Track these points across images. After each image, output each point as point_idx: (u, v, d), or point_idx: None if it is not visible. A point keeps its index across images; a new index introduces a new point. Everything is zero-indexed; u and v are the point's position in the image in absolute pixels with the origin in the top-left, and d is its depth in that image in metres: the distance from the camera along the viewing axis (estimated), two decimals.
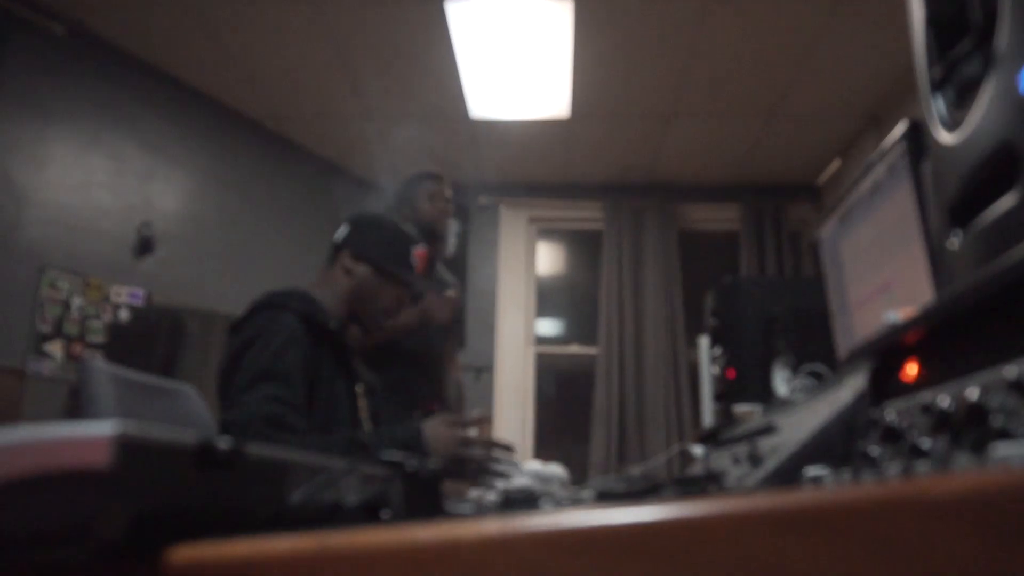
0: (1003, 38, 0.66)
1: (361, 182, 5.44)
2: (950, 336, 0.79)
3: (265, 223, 4.72)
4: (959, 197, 0.75)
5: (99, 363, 1.56)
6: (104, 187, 3.84)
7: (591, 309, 5.31)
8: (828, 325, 1.81)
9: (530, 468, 2.27)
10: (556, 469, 2.25)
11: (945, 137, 0.79)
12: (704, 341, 2.54)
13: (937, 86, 0.78)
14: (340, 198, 5.30)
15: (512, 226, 5.52)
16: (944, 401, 0.72)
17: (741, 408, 2.04)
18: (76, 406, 1.47)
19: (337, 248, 1.80)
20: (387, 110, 4.52)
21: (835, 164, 5.02)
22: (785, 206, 5.28)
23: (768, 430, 1.28)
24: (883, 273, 1.43)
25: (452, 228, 2.89)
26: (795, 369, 1.91)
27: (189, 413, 1.86)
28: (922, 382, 0.84)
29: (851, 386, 1.04)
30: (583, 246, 5.67)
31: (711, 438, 2.09)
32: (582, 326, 5.43)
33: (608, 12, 3.59)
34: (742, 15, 3.57)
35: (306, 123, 4.72)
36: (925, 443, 0.72)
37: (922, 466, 0.70)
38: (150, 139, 4.08)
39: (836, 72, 4.01)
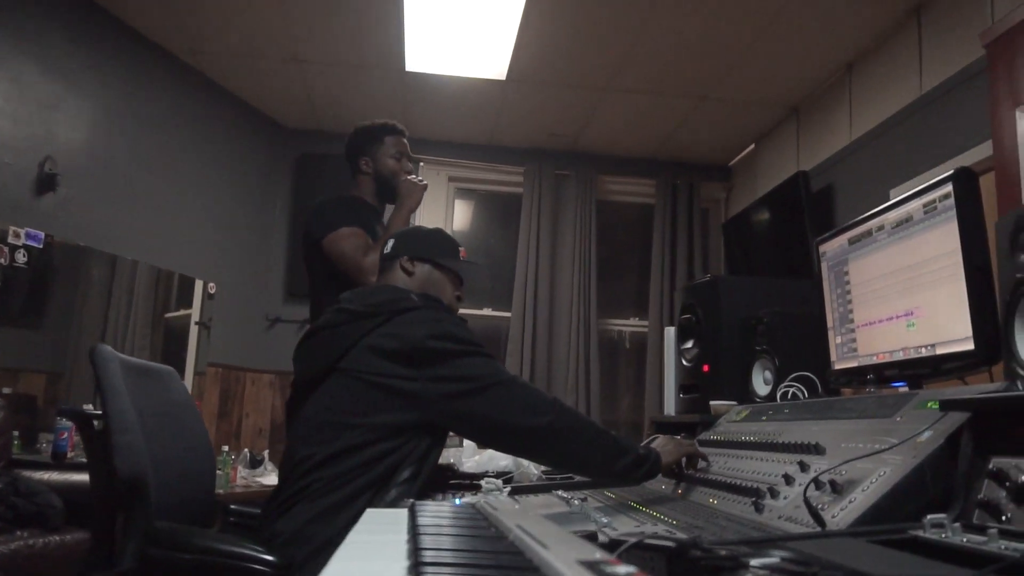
0: None
1: (280, 128, 5.17)
2: None
3: (179, 164, 4.41)
4: None
5: (109, 351, 1.44)
6: (2, 116, 3.45)
7: (507, 273, 5.33)
8: (813, 333, 1.92)
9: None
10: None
11: None
12: (671, 332, 2.63)
13: None
14: (264, 145, 5.03)
15: (431, 183, 5.39)
16: None
17: (718, 403, 2.14)
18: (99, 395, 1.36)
19: (390, 258, 1.87)
20: (318, 54, 4.29)
21: (749, 148, 5.24)
22: (699, 184, 5.47)
23: (816, 449, 1.35)
24: (907, 301, 1.53)
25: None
26: (779, 372, 2.02)
27: (178, 396, 1.76)
28: None
29: (938, 429, 1.12)
30: (501, 209, 5.66)
31: (683, 430, 2.17)
32: (496, 290, 5.45)
33: None
34: (695, 2, 3.62)
35: (228, 61, 4.40)
36: None
37: None
38: (56, 63, 3.68)
39: (767, 65, 4.16)
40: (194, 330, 4.64)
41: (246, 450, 4.12)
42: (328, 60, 4.35)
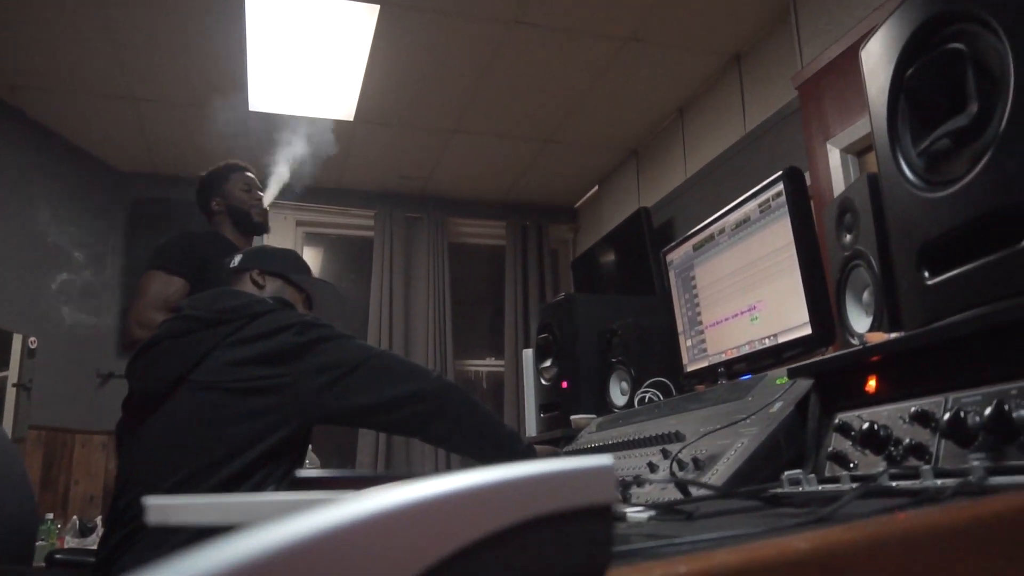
0: (1004, 121, 0.82)
1: (112, 171, 4.87)
2: (913, 361, 0.94)
3: None
4: (942, 244, 0.91)
5: None
6: None
7: (360, 318, 5.23)
8: (664, 341, 2.00)
9: None
10: None
11: (917, 191, 0.94)
12: (528, 354, 2.65)
13: (922, 151, 0.93)
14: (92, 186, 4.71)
15: (278, 230, 5.25)
16: (939, 409, 0.87)
17: (578, 417, 2.17)
18: None
19: (238, 271, 1.81)
20: (154, 91, 4.10)
21: (593, 190, 5.47)
22: (547, 225, 5.64)
23: (677, 437, 1.40)
24: (749, 297, 1.62)
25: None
26: (635, 381, 2.08)
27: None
28: (880, 397, 1.00)
29: (787, 398, 1.19)
30: (352, 254, 5.58)
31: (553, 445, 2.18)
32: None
33: (412, 22, 3.60)
34: (537, 46, 3.77)
35: (51, 97, 4.11)
36: (931, 446, 0.86)
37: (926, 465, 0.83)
38: None
39: (608, 110, 4.39)
40: (11, 392, 4.20)
41: (75, 518, 3.74)
42: (165, 98, 4.17)
